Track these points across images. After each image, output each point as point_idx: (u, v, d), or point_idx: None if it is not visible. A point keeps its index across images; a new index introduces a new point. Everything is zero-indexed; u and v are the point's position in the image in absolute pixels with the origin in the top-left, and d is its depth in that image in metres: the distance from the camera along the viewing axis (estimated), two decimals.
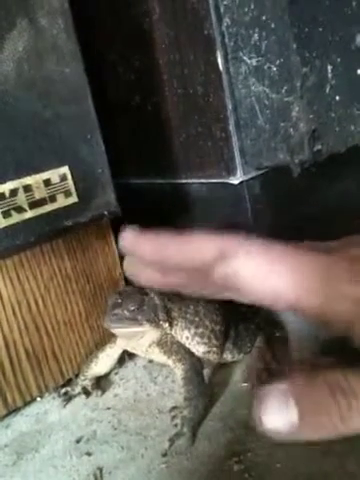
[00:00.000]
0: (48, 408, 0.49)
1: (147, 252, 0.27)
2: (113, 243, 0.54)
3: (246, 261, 0.25)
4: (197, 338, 0.46)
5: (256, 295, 0.25)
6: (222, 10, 0.43)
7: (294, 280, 0.24)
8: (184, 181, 0.53)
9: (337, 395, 0.22)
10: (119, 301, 0.43)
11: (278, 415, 0.22)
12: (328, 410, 0.22)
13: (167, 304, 0.45)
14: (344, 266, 0.24)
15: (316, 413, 0.22)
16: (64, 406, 0.48)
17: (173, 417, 0.42)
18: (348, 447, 0.36)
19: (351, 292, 0.23)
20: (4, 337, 0.46)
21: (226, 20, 0.43)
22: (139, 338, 0.45)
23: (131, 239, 0.27)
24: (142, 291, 0.45)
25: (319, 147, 0.51)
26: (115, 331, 0.45)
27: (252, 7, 0.44)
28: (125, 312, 0.43)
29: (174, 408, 0.43)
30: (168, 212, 0.57)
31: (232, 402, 0.44)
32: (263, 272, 0.24)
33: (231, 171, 0.48)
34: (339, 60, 0.49)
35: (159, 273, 0.28)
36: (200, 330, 0.46)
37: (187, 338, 0.46)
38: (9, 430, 0.47)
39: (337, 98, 0.50)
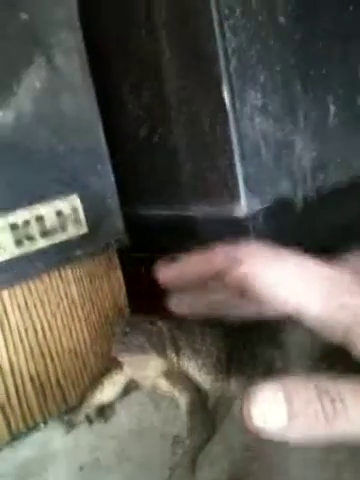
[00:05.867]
0: (52, 435, 0.49)
1: (172, 277, 0.30)
2: (119, 270, 0.55)
3: (256, 266, 0.26)
4: (204, 368, 0.46)
5: (264, 298, 0.26)
6: (230, 52, 0.45)
7: (298, 287, 0.25)
8: (189, 213, 0.55)
9: (323, 399, 0.23)
10: (127, 330, 0.44)
11: (268, 412, 0.23)
12: (315, 412, 0.23)
13: (175, 334, 0.46)
14: (346, 278, 0.25)
15: (304, 414, 0.23)
16: (67, 433, 0.49)
17: (174, 446, 0.43)
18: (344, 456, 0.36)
19: (351, 303, 0.24)
20: (10, 363, 0.47)
21: (233, 62, 0.45)
22: (146, 367, 0.46)
23: (161, 273, 0.30)
24: (150, 321, 0.46)
25: (322, 180, 0.52)
26: (123, 360, 0.45)
27: (258, 49, 0.46)
28: (133, 341, 0.44)
29: (176, 437, 0.44)
30: (172, 241, 0.58)
31: (234, 425, 0.44)
32: (270, 277, 0.26)
33: (236, 204, 0.49)
34: (341, 93, 0.51)
35: (196, 298, 0.31)
36: (208, 360, 0.46)
37: (194, 368, 0.46)
38: (13, 456, 0.47)
39: (339, 132, 0.52)
